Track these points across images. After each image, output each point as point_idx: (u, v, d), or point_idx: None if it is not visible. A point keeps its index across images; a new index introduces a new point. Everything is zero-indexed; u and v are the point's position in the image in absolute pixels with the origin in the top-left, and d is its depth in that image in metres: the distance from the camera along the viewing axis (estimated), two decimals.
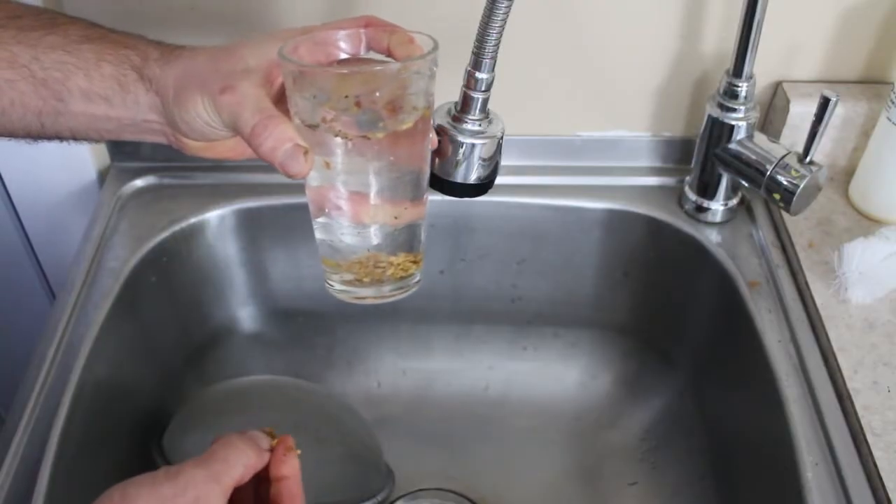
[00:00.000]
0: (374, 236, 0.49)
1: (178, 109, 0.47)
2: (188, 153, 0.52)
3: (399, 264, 0.50)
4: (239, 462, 0.46)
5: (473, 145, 0.59)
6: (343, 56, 0.48)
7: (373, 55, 0.49)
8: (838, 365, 0.62)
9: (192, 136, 0.49)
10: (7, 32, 0.48)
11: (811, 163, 0.66)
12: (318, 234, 0.50)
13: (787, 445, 0.60)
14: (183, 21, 0.73)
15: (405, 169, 0.48)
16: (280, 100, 0.46)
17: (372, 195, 0.47)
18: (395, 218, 0.48)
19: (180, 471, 0.44)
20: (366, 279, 0.50)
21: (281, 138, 0.43)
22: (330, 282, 0.51)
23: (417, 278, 0.52)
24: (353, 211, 0.48)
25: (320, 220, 0.49)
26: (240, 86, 0.45)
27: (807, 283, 0.68)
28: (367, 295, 0.50)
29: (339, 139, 0.45)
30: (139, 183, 0.80)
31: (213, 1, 0.72)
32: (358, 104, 0.44)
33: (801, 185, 0.66)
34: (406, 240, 0.50)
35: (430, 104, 0.47)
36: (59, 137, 0.51)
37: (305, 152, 0.44)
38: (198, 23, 0.73)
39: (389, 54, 0.47)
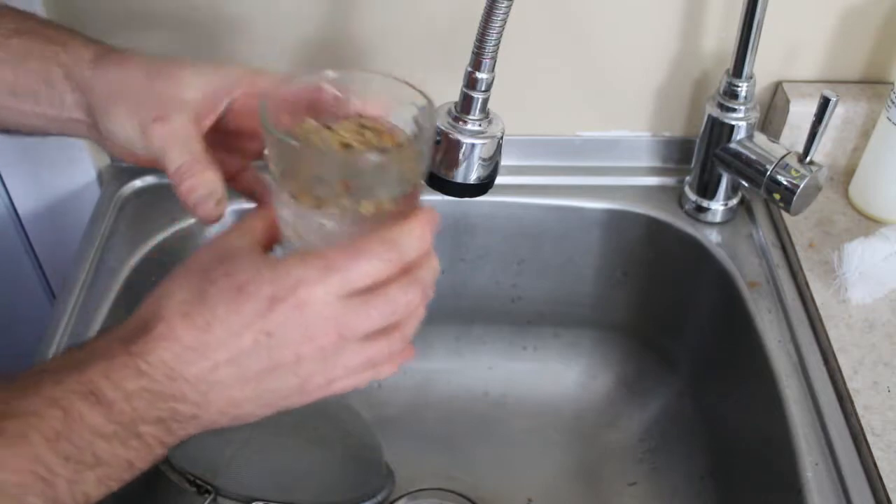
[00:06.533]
0: None
1: (110, 124, 0.46)
2: (111, 155, 0.51)
3: None
4: None
5: (473, 145, 0.59)
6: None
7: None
8: (838, 365, 0.62)
9: (115, 152, 0.49)
10: None
11: (811, 163, 0.66)
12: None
13: (787, 445, 0.60)
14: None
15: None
16: (208, 135, 0.46)
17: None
18: None
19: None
20: None
21: (199, 184, 0.44)
22: None
23: None
24: None
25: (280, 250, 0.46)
26: (173, 118, 0.44)
27: (807, 283, 0.68)
28: None
29: (315, 210, 0.41)
30: (139, 183, 0.80)
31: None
32: (324, 182, 0.40)
33: (801, 185, 0.66)
34: None
35: (412, 187, 0.41)
36: None
37: (218, 202, 0.44)
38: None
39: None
